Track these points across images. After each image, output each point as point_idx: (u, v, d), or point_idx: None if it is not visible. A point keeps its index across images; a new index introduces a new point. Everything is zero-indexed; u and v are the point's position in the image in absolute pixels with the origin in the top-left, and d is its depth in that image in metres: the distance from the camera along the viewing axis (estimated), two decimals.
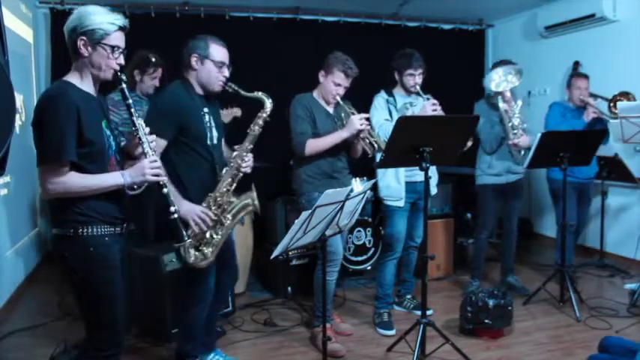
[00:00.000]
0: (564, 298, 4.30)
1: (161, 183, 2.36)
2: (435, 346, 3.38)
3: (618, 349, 2.36)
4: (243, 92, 2.98)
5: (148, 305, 3.74)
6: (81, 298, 2.34)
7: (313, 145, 3.55)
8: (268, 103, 3.03)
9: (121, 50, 2.29)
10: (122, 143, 2.55)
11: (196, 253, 2.89)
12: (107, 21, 2.23)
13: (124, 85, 2.33)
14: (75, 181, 2.20)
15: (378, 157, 3.70)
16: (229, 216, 2.96)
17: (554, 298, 4.38)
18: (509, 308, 3.82)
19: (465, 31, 7.39)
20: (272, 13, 6.31)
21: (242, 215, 3.00)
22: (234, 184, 2.96)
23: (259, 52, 6.07)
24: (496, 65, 4.36)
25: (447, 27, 7.23)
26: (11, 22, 4.59)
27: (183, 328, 3.18)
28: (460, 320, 3.88)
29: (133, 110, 2.31)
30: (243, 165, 2.95)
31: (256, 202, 3.00)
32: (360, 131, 3.47)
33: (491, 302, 3.74)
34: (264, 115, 3.02)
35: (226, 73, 2.97)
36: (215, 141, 3.02)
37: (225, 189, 2.93)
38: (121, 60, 2.30)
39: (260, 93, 3.02)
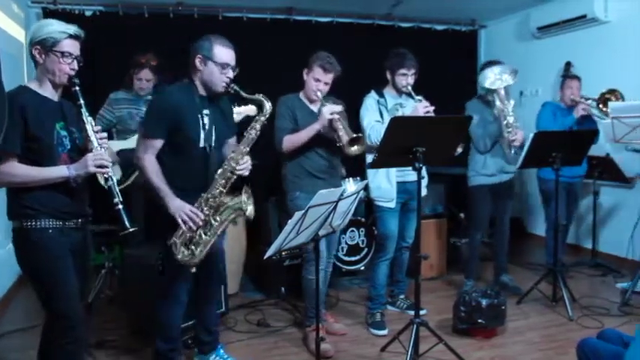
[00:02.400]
0: (557, 298, 4.32)
1: (106, 176, 2.48)
2: (428, 345, 3.39)
3: (615, 340, 2.40)
4: (244, 94, 2.97)
5: (140, 305, 3.72)
6: (33, 287, 2.53)
7: (289, 140, 3.57)
8: (268, 107, 3.01)
9: (73, 57, 2.48)
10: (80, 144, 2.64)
11: (185, 251, 2.92)
12: (58, 30, 2.45)
13: (77, 88, 2.50)
14: (18, 170, 2.37)
15: (370, 157, 3.72)
16: (218, 218, 2.95)
17: (546, 297, 4.40)
18: (503, 308, 3.83)
19: (457, 31, 7.41)
20: (265, 13, 6.31)
21: (231, 218, 2.98)
22: (228, 186, 2.95)
23: (253, 52, 6.04)
24: (485, 66, 4.38)
25: (439, 28, 7.24)
26: (3, 22, 4.58)
27: (156, 327, 3.17)
28: (453, 320, 3.89)
29: (83, 110, 2.50)
30: (238, 168, 2.94)
31: (249, 206, 2.94)
32: (332, 122, 3.46)
33: (484, 302, 3.75)
34: (263, 118, 3.01)
35: (230, 74, 2.96)
36: (213, 142, 3.01)
37: (217, 190, 2.92)
38: (74, 65, 2.49)
39: (261, 95, 3.00)
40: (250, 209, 2.96)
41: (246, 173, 2.98)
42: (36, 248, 2.44)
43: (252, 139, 2.99)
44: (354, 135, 3.43)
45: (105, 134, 2.57)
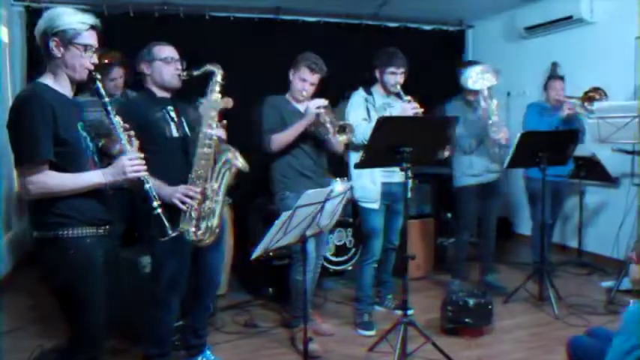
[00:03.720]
0: (543, 297, 4.35)
1: (142, 179, 2.32)
2: (416, 345, 3.40)
3: (602, 337, 2.44)
4: (195, 72, 3.00)
5: (127, 308, 3.69)
6: (61, 300, 2.31)
7: (278, 139, 3.56)
8: (218, 72, 3.01)
9: (94, 49, 2.29)
10: (100, 144, 2.52)
11: (198, 231, 2.92)
12: (78, 20, 2.24)
13: (99, 84, 2.31)
14: (54, 180, 2.18)
15: (354, 156, 3.72)
16: (214, 183, 2.96)
17: (533, 296, 4.43)
18: (490, 307, 3.85)
19: (445, 31, 7.43)
20: (252, 13, 6.28)
21: (227, 176, 2.98)
22: (212, 154, 2.94)
23: (239, 52, 6.03)
24: (464, 66, 4.37)
25: (427, 28, 7.26)
26: None
27: (145, 330, 3.15)
28: (441, 319, 3.90)
29: (109, 108, 2.31)
30: (212, 131, 2.94)
31: (234, 159, 2.96)
32: (318, 116, 3.46)
33: (471, 301, 3.76)
34: (217, 78, 3.00)
35: (178, 66, 3.01)
36: (187, 132, 3.04)
37: (203, 160, 2.93)
38: (95, 59, 2.30)
39: (208, 65, 3.01)
40: (242, 162, 2.98)
41: (223, 135, 3.02)
42: (72, 260, 2.23)
43: (215, 102, 2.99)
44: (341, 123, 3.44)
45: (132, 132, 2.39)
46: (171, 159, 2.98)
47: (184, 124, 3.06)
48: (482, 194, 4.57)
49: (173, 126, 3.00)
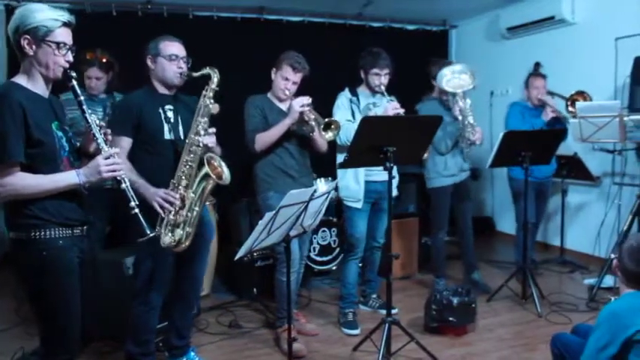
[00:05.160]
0: (526, 295, 4.38)
1: (119, 178, 2.28)
2: (400, 344, 3.41)
3: (586, 334, 2.51)
4: (194, 74, 3.00)
5: (111, 308, 3.66)
6: (34, 303, 2.28)
7: (262, 138, 3.55)
8: (215, 77, 2.99)
9: (68, 47, 2.24)
10: (77, 144, 2.48)
11: (172, 236, 2.89)
12: (50, 17, 2.19)
13: (75, 82, 2.27)
14: (26, 182, 2.14)
15: (340, 157, 3.73)
16: (191, 192, 2.92)
17: (516, 294, 4.46)
18: (473, 306, 3.88)
19: (428, 31, 7.47)
20: (236, 12, 6.26)
21: (205, 187, 2.95)
22: (197, 161, 2.91)
23: (223, 51, 6.00)
24: (440, 66, 4.38)
25: (411, 28, 7.29)
26: None
27: (128, 329, 3.12)
28: (425, 318, 3.91)
29: (84, 107, 2.27)
30: (201, 139, 2.91)
31: (217, 165, 2.95)
32: (303, 114, 3.46)
33: (455, 300, 3.78)
34: (212, 86, 2.99)
35: (182, 65, 2.99)
36: (182, 135, 3.00)
37: (186, 167, 2.90)
38: (69, 57, 2.25)
39: (207, 68, 3.00)
40: (225, 173, 2.95)
41: (212, 144, 2.98)
42: (45, 262, 2.20)
43: (206, 107, 2.96)
44: (327, 120, 3.43)
45: (109, 130, 2.37)
46: (162, 161, 2.96)
47: (180, 125, 3.03)
48: (456, 193, 4.59)
49: (167, 128, 2.97)
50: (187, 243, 2.94)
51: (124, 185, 2.29)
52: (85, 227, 2.36)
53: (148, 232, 2.34)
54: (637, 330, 2.12)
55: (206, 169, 2.91)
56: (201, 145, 2.91)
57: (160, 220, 2.86)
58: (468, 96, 4.32)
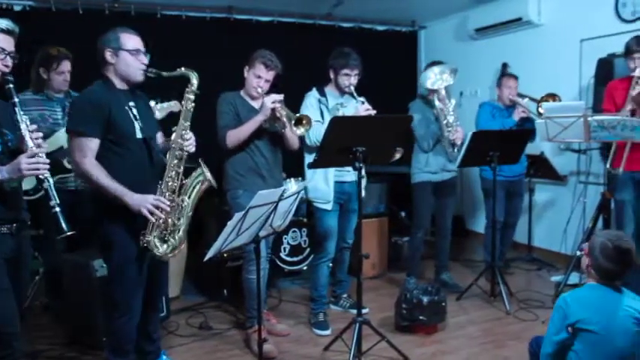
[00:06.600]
0: (495, 293, 4.44)
1: (41, 177, 2.35)
2: (371, 343, 3.41)
3: None
4: (165, 74, 2.90)
5: (78, 313, 3.60)
6: None
7: (233, 135, 3.52)
8: (194, 79, 2.93)
9: (6, 52, 2.36)
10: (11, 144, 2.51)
11: (164, 244, 2.85)
12: None
13: (12, 86, 2.40)
14: None
15: (309, 158, 3.72)
16: (185, 197, 2.90)
17: (485, 292, 4.51)
18: (443, 304, 3.90)
19: (398, 32, 7.51)
20: (205, 12, 6.19)
21: (198, 190, 2.94)
22: (182, 165, 2.88)
23: (192, 51, 5.93)
24: (429, 66, 4.45)
25: (380, 28, 7.32)
26: None
27: (109, 339, 3.04)
28: (395, 317, 3.93)
29: (17, 109, 2.38)
30: (186, 144, 2.87)
31: (208, 174, 2.94)
32: (274, 110, 3.45)
33: (425, 299, 3.80)
34: (193, 88, 2.93)
35: (144, 59, 2.88)
36: (145, 134, 2.90)
37: (174, 172, 2.85)
38: (8, 62, 2.38)
39: (183, 69, 2.93)
40: (211, 177, 2.96)
41: (193, 149, 2.93)
42: None
43: (188, 110, 2.92)
44: (298, 115, 3.43)
45: (41, 134, 2.42)
46: (135, 162, 2.84)
47: (148, 123, 2.94)
48: (438, 193, 4.63)
49: (137, 126, 2.86)
50: (181, 248, 2.91)
51: (46, 184, 2.36)
52: (13, 225, 2.43)
53: (66, 229, 2.38)
54: (577, 320, 2.25)
55: (205, 172, 2.90)
56: (185, 148, 2.87)
57: (149, 228, 2.78)
58: (451, 96, 4.39)
